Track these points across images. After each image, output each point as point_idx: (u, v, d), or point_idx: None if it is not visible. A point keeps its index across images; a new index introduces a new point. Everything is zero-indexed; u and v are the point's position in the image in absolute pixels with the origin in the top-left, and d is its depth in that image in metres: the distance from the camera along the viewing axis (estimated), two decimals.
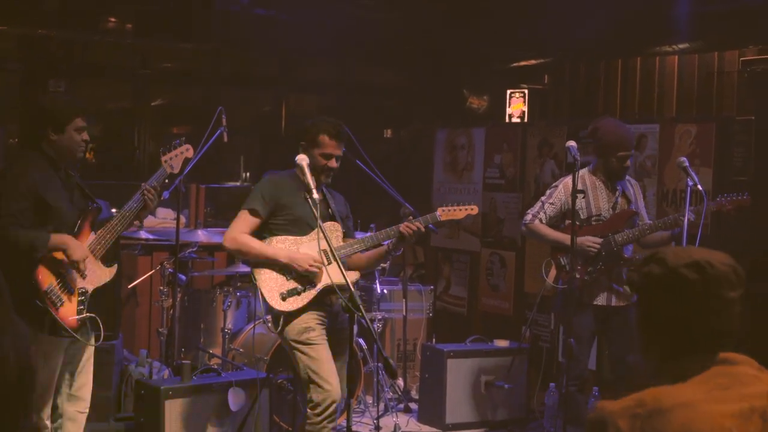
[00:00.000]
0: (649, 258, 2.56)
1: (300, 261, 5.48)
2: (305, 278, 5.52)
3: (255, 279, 5.58)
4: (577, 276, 6.42)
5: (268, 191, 5.65)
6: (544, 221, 6.58)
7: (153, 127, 10.56)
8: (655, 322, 2.53)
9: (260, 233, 5.63)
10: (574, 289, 6.38)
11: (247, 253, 5.61)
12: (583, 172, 6.58)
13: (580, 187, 6.40)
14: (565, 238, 6.38)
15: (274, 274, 5.54)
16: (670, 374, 2.45)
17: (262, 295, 5.53)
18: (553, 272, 6.60)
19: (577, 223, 6.42)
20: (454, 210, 5.87)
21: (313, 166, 5.46)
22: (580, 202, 6.45)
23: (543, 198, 6.67)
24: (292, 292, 5.50)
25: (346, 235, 5.82)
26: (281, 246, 5.58)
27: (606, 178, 6.53)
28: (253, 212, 5.60)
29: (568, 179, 6.55)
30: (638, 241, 6.52)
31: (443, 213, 5.84)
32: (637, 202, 6.64)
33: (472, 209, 5.94)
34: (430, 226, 5.90)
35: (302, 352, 5.47)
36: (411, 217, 5.87)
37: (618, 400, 2.40)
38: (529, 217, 6.65)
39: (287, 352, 5.62)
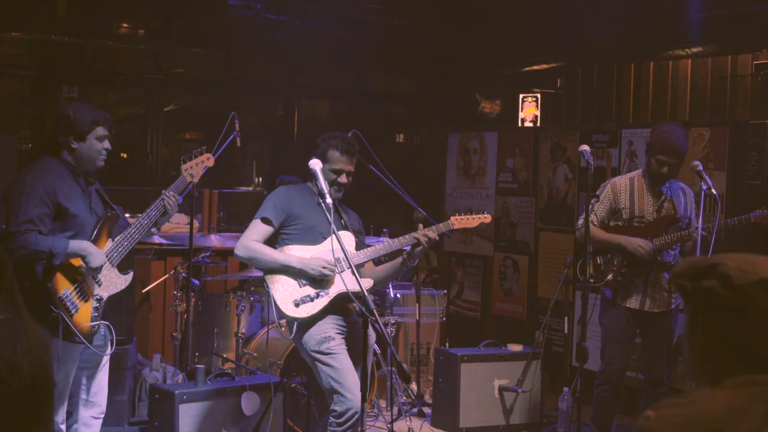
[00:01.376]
0: (709, 270, 2.32)
1: (312, 264, 5.47)
2: (318, 284, 5.50)
3: (267, 286, 5.57)
4: (610, 277, 6.43)
5: (280, 200, 5.64)
6: (596, 223, 6.55)
7: (165, 132, 10.59)
8: (713, 341, 2.33)
9: (272, 244, 5.62)
10: (611, 291, 6.45)
11: (259, 260, 5.59)
12: (635, 173, 6.58)
13: (626, 188, 6.48)
14: (614, 238, 6.41)
15: (287, 280, 5.52)
16: (726, 394, 2.26)
17: (274, 301, 5.52)
18: (589, 272, 6.58)
19: (619, 223, 6.46)
20: (468, 218, 5.88)
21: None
22: (625, 202, 6.48)
23: (593, 200, 6.64)
24: (306, 299, 5.48)
25: (359, 247, 5.81)
26: (293, 253, 5.57)
27: (651, 180, 6.48)
28: (266, 221, 5.58)
29: (616, 178, 6.63)
30: (670, 248, 6.46)
31: (456, 221, 5.84)
32: (685, 209, 6.57)
33: (485, 218, 5.95)
34: (446, 233, 5.89)
35: (323, 363, 5.44)
36: (422, 225, 5.86)
37: (669, 412, 2.26)
38: (580, 221, 6.61)
39: (308, 361, 5.58)
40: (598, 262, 6.53)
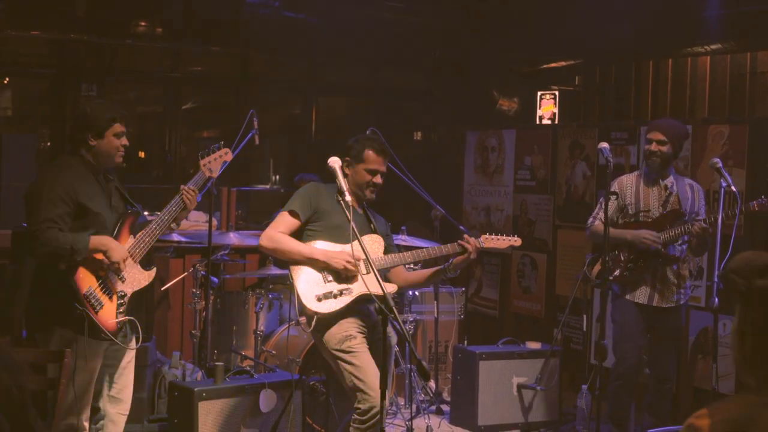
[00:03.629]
0: (765, 269, 2.32)
1: (337, 258, 5.46)
2: (343, 280, 5.50)
3: (292, 278, 5.57)
4: (617, 273, 6.45)
5: (309, 195, 5.65)
6: (604, 221, 6.57)
7: (184, 130, 10.61)
8: (763, 340, 2.31)
9: (297, 239, 5.61)
10: (619, 287, 6.50)
11: (284, 251, 5.58)
12: (640, 170, 6.69)
13: (632, 183, 6.56)
14: (621, 233, 6.47)
15: (312, 274, 5.51)
16: None
17: (297, 294, 5.51)
18: (596, 268, 6.62)
19: (626, 219, 6.51)
20: (499, 239, 5.88)
21: (357, 182, 5.61)
22: (630, 198, 6.54)
23: (601, 199, 6.67)
24: (329, 295, 5.48)
25: (387, 251, 5.82)
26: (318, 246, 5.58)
27: (658, 174, 6.51)
28: (293, 213, 5.59)
29: (624, 177, 6.71)
30: (675, 241, 6.48)
31: (486, 240, 5.84)
32: (692, 205, 6.59)
33: (515, 241, 5.98)
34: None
35: (345, 361, 5.43)
36: (465, 235, 5.85)
37: (714, 417, 2.24)
38: (590, 220, 6.70)
39: (329, 359, 5.59)
40: (606, 258, 6.55)
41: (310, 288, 5.48)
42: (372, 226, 5.74)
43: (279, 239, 5.55)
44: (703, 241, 6.40)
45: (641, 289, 6.50)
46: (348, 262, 5.45)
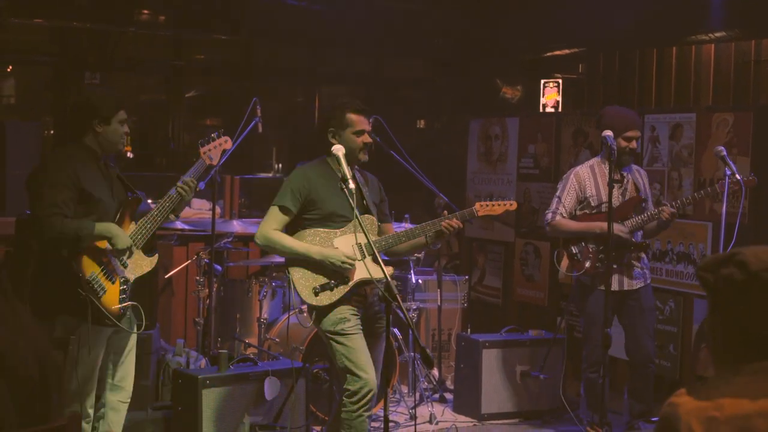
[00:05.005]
0: (728, 259, 2.41)
1: (332, 257, 5.44)
2: (338, 273, 5.49)
3: (288, 272, 5.58)
4: (588, 265, 6.47)
5: (297, 186, 5.57)
6: (564, 215, 6.61)
7: (187, 118, 10.61)
8: (733, 328, 2.39)
9: (294, 227, 5.60)
10: (589, 278, 6.53)
11: (278, 250, 5.58)
12: (592, 162, 6.72)
13: (589, 176, 6.63)
14: (588, 227, 6.52)
15: (308, 269, 5.52)
16: (747, 380, 2.32)
17: (294, 288, 5.53)
18: (565, 262, 6.66)
19: (586, 211, 6.55)
20: (493, 205, 5.77)
21: (349, 150, 5.45)
22: (591, 190, 6.60)
23: (557, 193, 6.73)
24: (325, 287, 5.47)
25: (382, 220, 5.79)
26: (314, 240, 5.53)
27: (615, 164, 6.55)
28: (283, 209, 5.54)
29: (578, 169, 6.74)
30: (642, 228, 6.56)
31: (481, 208, 5.74)
32: (645, 190, 6.70)
33: (510, 205, 5.84)
34: (469, 220, 5.85)
35: (338, 342, 5.45)
36: (446, 212, 5.80)
37: (693, 397, 2.31)
38: (549, 215, 6.70)
39: (324, 342, 5.61)
40: (574, 251, 6.59)
41: (307, 282, 5.49)
42: (365, 202, 5.65)
43: (272, 237, 5.51)
44: (665, 225, 6.47)
45: (612, 276, 6.51)
46: (343, 261, 5.43)
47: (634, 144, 6.56)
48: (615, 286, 6.55)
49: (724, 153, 6.27)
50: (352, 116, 5.58)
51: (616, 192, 6.52)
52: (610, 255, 6.27)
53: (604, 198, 6.50)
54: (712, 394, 2.31)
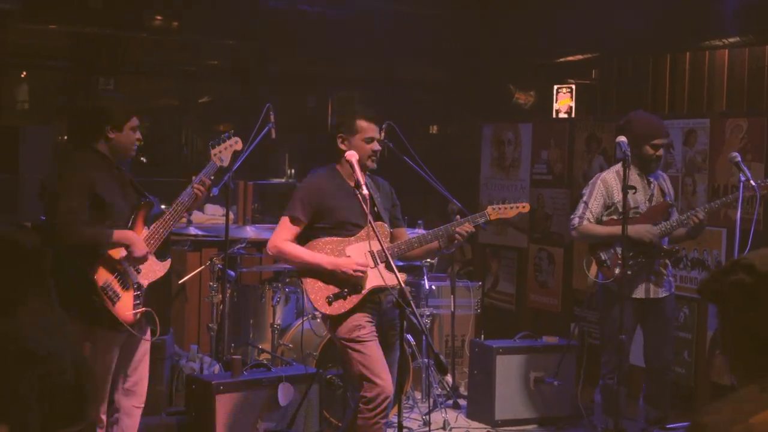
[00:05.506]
0: (734, 265, 2.37)
1: (343, 267, 5.42)
2: (350, 282, 5.47)
3: (301, 282, 5.58)
4: (618, 272, 6.43)
5: (308, 196, 5.55)
6: (591, 221, 6.56)
7: (200, 123, 10.63)
8: (743, 335, 2.35)
9: (306, 236, 5.57)
10: (616, 284, 6.42)
11: (290, 261, 5.58)
12: (618, 167, 6.60)
13: (616, 182, 6.54)
14: (617, 231, 6.38)
15: (320, 279, 5.49)
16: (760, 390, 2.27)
17: (307, 298, 5.53)
18: (594, 269, 6.60)
19: (614, 216, 6.48)
20: (505, 208, 5.75)
21: (358, 156, 5.43)
22: (618, 195, 6.54)
23: (584, 198, 6.66)
24: (338, 296, 5.46)
25: (395, 225, 5.78)
26: (326, 248, 5.51)
27: (640, 170, 6.54)
28: (294, 219, 5.51)
29: (605, 174, 6.67)
30: (670, 233, 6.52)
31: (493, 212, 5.72)
32: (670, 194, 6.67)
33: (523, 207, 5.81)
34: (481, 224, 5.82)
35: (354, 350, 5.44)
36: (459, 216, 5.77)
37: (720, 417, 2.25)
38: (576, 220, 6.62)
39: (339, 350, 5.60)
40: (603, 258, 6.53)
41: (320, 291, 5.47)
42: (375, 208, 5.58)
43: (284, 249, 5.50)
44: (696, 232, 6.46)
45: (640, 284, 6.50)
46: (355, 270, 5.41)
47: (660, 152, 6.52)
48: (641, 294, 6.52)
49: (739, 159, 6.24)
50: (362, 123, 5.56)
51: (642, 198, 6.51)
52: (627, 260, 6.24)
53: (632, 204, 6.47)
54: (740, 415, 2.24)
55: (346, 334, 5.46)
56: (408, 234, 5.90)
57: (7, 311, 3.22)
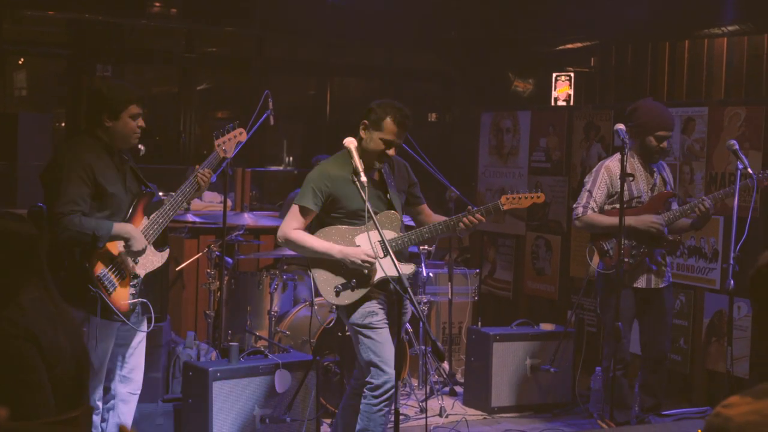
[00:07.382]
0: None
1: (352, 256, 5.38)
2: (358, 272, 5.44)
3: (310, 271, 5.55)
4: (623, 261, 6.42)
5: (319, 185, 5.46)
6: (595, 210, 6.52)
7: (198, 111, 10.62)
8: None
9: (319, 223, 5.54)
10: (620, 274, 6.34)
11: (299, 249, 5.53)
12: (615, 156, 6.56)
13: (619, 171, 6.42)
14: (628, 220, 6.31)
15: (329, 270, 5.47)
16: None
17: (316, 288, 5.51)
18: (596, 258, 6.58)
19: (616, 205, 6.42)
20: (519, 198, 5.53)
21: (368, 150, 5.38)
22: (625, 184, 6.45)
23: (587, 187, 6.60)
24: (346, 286, 5.43)
25: (415, 203, 5.72)
26: (334, 237, 5.47)
27: (643, 160, 6.52)
28: (304, 209, 5.46)
29: (608, 162, 6.60)
30: (673, 223, 6.50)
31: (507, 202, 5.50)
32: (671, 184, 6.66)
33: (538, 197, 5.60)
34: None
35: (365, 336, 5.43)
36: (470, 207, 5.63)
37: (745, 409, 2.21)
38: (580, 209, 6.55)
39: (350, 334, 5.57)
40: (605, 248, 6.49)
41: (328, 281, 5.46)
42: (388, 196, 5.54)
43: (293, 237, 5.46)
44: (700, 222, 6.43)
45: (642, 274, 6.49)
46: (363, 260, 5.37)
47: (665, 144, 6.47)
48: (642, 284, 6.51)
49: (737, 147, 6.23)
50: (389, 123, 5.38)
51: (645, 187, 6.49)
52: (630, 249, 6.24)
53: (635, 193, 6.46)
54: (765, 408, 2.21)
55: (360, 320, 5.44)
56: (429, 210, 5.83)
57: (8, 300, 3.23)
